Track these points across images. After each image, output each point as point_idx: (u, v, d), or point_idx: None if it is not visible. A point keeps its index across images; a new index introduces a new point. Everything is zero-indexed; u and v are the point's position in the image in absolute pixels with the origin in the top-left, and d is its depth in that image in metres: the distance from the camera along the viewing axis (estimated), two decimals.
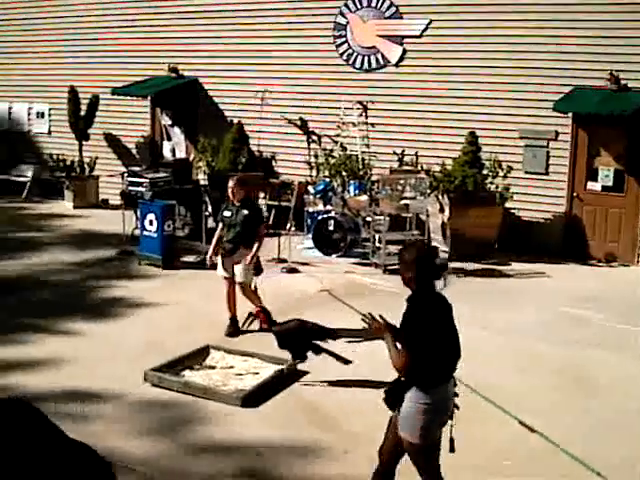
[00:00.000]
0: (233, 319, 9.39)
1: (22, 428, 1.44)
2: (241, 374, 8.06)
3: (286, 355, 8.28)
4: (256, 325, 8.48)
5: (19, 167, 19.64)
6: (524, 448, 6.73)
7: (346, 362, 7.96)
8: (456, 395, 5.16)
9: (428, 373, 4.91)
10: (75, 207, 17.80)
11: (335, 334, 8.20)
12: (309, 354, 8.01)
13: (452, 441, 4.99)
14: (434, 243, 14.02)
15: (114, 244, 13.92)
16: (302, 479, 6.19)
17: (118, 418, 7.21)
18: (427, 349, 4.87)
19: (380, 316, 5.21)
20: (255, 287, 9.50)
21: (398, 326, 5.03)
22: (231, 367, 8.28)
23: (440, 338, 4.98)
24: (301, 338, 8.00)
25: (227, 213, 9.53)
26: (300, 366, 8.18)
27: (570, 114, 13.69)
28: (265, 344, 8.50)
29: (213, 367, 8.21)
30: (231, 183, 9.51)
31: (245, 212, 9.34)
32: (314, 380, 8.06)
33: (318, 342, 8.02)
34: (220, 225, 9.70)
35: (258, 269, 9.58)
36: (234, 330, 9.34)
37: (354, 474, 6.09)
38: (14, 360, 8.55)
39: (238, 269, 9.32)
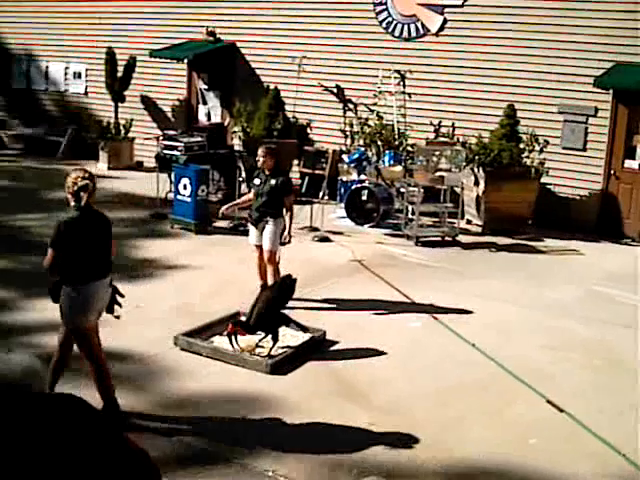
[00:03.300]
0: (264, 286, 9.38)
1: (73, 425, 1.43)
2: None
3: (314, 325, 8.31)
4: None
5: (54, 127, 19.74)
6: (551, 427, 6.70)
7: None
8: (117, 293, 6.53)
9: (73, 272, 6.17)
10: (109, 168, 17.89)
11: None
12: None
13: (117, 317, 6.66)
14: (467, 216, 13.97)
15: (148, 206, 14.00)
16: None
17: (146, 380, 7.29)
18: (67, 252, 6.11)
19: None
20: (279, 257, 9.38)
21: None
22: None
23: (81, 245, 6.14)
24: (271, 316, 7.96)
25: (257, 181, 9.45)
26: (332, 337, 8.23)
27: (611, 90, 13.49)
28: (297, 314, 8.52)
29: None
30: (260, 152, 9.38)
31: (273, 182, 9.22)
32: (344, 349, 8.11)
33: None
34: (252, 192, 9.66)
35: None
36: None
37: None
38: (45, 320, 8.62)
39: (265, 237, 9.29)
